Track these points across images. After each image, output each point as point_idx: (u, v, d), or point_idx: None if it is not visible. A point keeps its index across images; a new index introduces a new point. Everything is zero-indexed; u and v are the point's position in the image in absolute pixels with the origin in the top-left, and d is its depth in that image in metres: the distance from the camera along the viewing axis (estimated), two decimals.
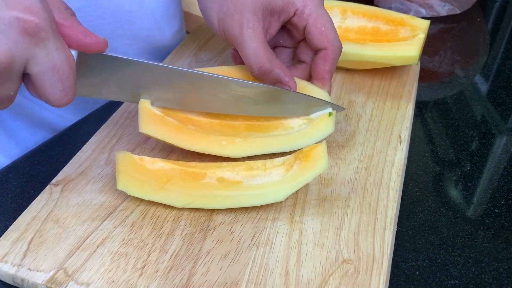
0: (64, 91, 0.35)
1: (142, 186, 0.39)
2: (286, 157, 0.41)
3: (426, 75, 0.61)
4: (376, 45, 0.54)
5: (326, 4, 0.59)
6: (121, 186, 0.39)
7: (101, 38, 0.36)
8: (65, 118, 0.57)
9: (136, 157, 0.40)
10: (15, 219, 0.39)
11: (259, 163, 0.41)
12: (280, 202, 0.40)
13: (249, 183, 0.40)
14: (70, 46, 0.35)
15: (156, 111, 0.42)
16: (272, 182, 0.40)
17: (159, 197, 0.39)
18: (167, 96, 0.42)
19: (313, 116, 0.45)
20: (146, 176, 0.39)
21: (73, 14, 0.36)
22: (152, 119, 0.42)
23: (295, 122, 0.45)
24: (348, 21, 0.59)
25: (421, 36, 0.53)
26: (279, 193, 0.39)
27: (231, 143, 0.43)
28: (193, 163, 0.41)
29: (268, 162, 0.41)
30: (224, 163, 0.41)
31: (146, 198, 0.39)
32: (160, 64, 0.40)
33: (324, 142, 0.40)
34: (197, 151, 0.43)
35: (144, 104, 0.42)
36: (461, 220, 0.42)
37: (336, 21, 0.59)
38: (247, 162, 0.41)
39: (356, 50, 0.53)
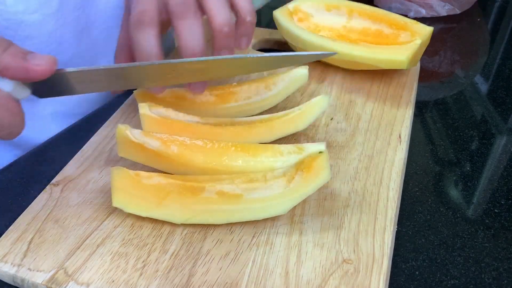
0: (8, 135, 0.36)
1: (138, 203, 0.38)
2: (286, 168, 0.40)
3: (426, 75, 0.61)
4: (368, 46, 0.54)
5: (335, 3, 0.59)
6: (116, 203, 0.38)
7: (47, 59, 0.35)
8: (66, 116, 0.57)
9: (132, 172, 0.39)
10: (15, 219, 0.39)
11: (259, 175, 0.40)
12: None
13: (250, 197, 0.39)
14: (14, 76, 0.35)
15: (134, 138, 0.41)
16: (273, 195, 0.38)
17: (157, 214, 0.38)
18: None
19: (304, 147, 0.42)
20: (142, 192, 0.39)
21: (10, 43, 0.35)
22: (130, 147, 0.41)
23: (286, 148, 0.42)
24: (354, 22, 0.59)
25: (417, 42, 0.53)
26: (281, 207, 0.38)
27: (217, 168, 0.42)
28: (191, 177, 0.40)
29: (269, 173, 0.40)
30: (224, 176, 0.40)
31: (143, 214, 0.38)
32: (119, 65, 0.40)
33: (326, 152, 0.38)
34: (178, 174, 0.42)
35: (122, 131, 0.41)
36: (461, 220, 0.42)
37: (342, 21, 0.59)
38: (246, 174, 0.40)
39: (346, 50, 0.54)
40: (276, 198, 0.38)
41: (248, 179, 0.40)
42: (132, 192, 0.38)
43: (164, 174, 0.40)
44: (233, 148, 0.42)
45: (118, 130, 0.41)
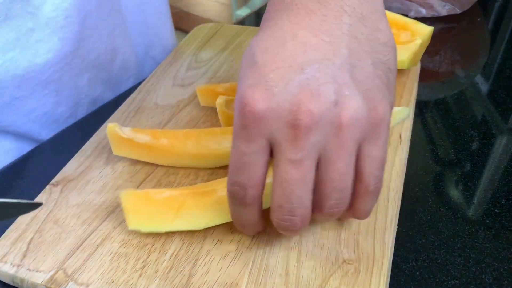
0: None
1: (155, 219, 0.37)
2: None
3: (426, 75, 0.61)
4: None
5: None
6: (133, 226, 0.37)
7: None
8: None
9: (140, 192, 0.38)
10: (15, 219, 0.38)
11: (270, 172, 0.40)
12: None
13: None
14: None
15: (124, 134, 0.42)
16: None
17: (176, 226, 0.37)
18: None
19: None
20: (156, 208, 0.37)
21: None
22: (122, 143, 0.42)
23: None
24: None
25: (417, 42, 0.53)
26: None
27: (206, 152, 0.42)
28: (199, 184, 0.40)
29: None
30: None
31: (163, 230, 0.37)
32: None
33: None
34: (171, 165, 0.42)
35: (112, 129, 0.41)
36: (461, 220, 0.42)
37: None
38: None
39: None
40: None
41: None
42: (146, 211, 0.37)
43: (173, 188, 0.40)
44: (221, 132, 0.43)
45: (108, 129, 0.41)
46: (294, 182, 0.30)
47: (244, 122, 0.30)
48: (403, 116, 0.44)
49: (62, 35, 0.49)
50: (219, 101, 0.46)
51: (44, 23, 0.47)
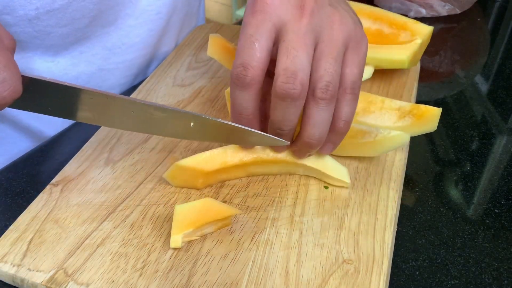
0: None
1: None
2: (402, 103, 0.45)
3: (426, 75, 0.61)
4: (369, 46, 0.54)
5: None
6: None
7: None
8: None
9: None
10: (15, 219, 0.39)
11: (378, 99, 0.44)
12: (280, 202, 0.40)
13: (363, 119, 0.44)
14: None
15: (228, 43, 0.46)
16: (383, 126, 0.43)
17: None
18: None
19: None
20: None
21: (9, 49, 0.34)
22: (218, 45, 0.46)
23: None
24: None
25: (417, 42, 0.53)
26: (388, 139, 0.42)
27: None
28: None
29: (387, 100, 0.45)
30: None
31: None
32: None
33: (440, 109, 0.43)
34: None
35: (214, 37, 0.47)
36: (461, 220, 0.42)
37: None
38: (367, 95, 0.45)
39: None
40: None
41: (368, 100, 0.45)
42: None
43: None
44: None
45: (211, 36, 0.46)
46: (298, 49, 0.35)
47: (255, 9, 0.36)
48: (402, 141, 0.42)
49: (151, 26, 0.58)
50: (229, 90, 0.46)
51: (139, 13, 0.56)
